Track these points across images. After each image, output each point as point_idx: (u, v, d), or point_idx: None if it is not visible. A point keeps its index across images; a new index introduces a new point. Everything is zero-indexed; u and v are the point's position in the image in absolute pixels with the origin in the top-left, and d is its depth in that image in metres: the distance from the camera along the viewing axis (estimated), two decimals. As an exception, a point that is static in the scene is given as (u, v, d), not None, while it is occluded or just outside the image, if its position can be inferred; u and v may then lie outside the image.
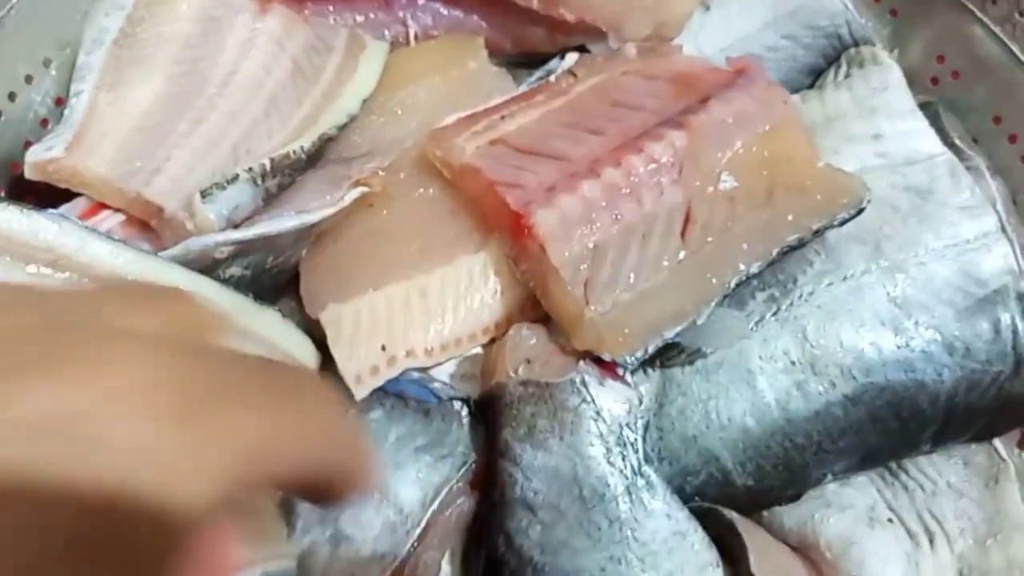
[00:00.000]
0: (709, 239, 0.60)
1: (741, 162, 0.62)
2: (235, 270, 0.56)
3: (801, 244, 0.60)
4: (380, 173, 0.61)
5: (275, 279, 0.61)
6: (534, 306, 0.64)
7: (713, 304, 0.58)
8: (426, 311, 0.62)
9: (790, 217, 0.60)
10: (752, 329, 0.61)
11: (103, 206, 0.57)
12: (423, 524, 0.57)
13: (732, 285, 0.58)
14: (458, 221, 0.65)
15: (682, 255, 0.59)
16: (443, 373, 0.64)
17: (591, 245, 0.59)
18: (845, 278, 0.62)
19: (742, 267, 0.58)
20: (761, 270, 0.59)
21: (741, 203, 0.60)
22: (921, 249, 0.63)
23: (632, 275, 0.59)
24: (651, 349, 0.57)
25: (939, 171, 0.65)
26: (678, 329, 0.57)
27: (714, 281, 0.58)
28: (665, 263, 0.59)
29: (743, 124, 0.63)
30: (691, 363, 0.61)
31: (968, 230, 0.63)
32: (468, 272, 0.63)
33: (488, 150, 0.64)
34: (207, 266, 0.54)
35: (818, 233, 0.60)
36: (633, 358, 0.56)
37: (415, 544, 0.57)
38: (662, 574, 0.55)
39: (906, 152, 0.66)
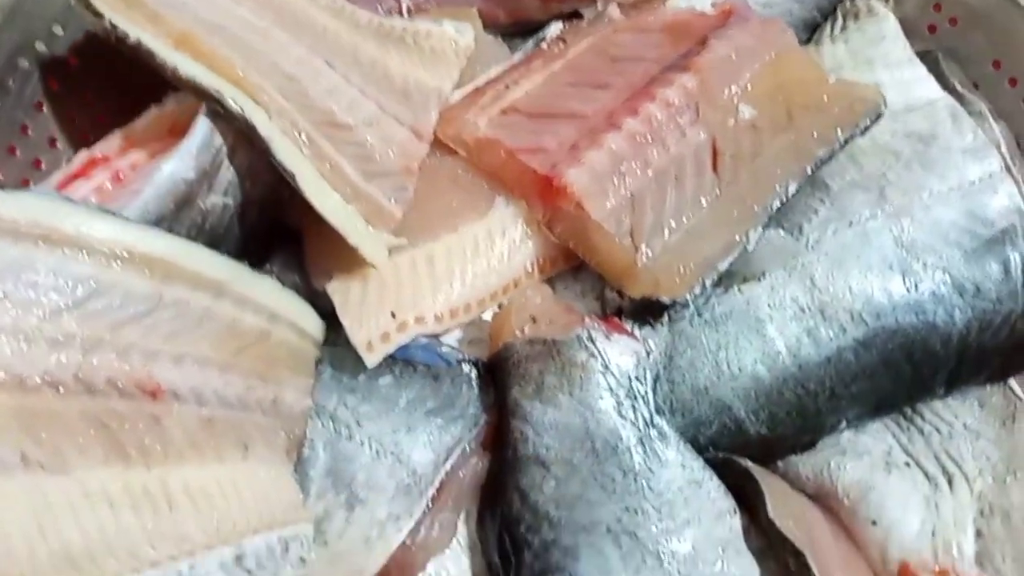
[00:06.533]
0: (742, 169, 0.60)
1: (755, 92, 0.63)
2: (215, 199, 0.56)
3: (831, 156, 0.60)
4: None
5: (262, 217, 0.62)
6: (541, 270, 0.65)
7: (760, 228, 0.58)
8: (433, 278, 0.62)
9: (815, 134, 0.60)
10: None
11: (93, 164, 0.58)
12: (436, 484, 0.58)
13: (775, 207, 0.59)
14: (460, 189, 0.65)
15: (719, 189, 0.60)
16: (452, 339, 0.65)
17: (628, 195, 0.60)
18: (851, 224, 0.62)
19: (779, 188, 0.59)
20: (799, 187, 0.59)
21: (764, 129, 0.61)
22: (926, 193, 0.62)
23: (675, 216, 0.59)
24: (708, 284, 0.57)
25: (940, 116, 0.65)
26: (731, 258, 0.58)
27: (755, 207, 0.59)
28: (704, 199, 0.60)
29: (747, 56, 0.64)
30: (699, 315, 0.60)
31: (972, 172, 0.63)
32: (473, 238, 0.63)
33: (501, 120, 0.65)
34: (186, 199, 0.54)
35: (846, 143, 0.60)
36: (692, 295, 0.57)
37: (430, 504, 0.57)
38: (679, 522, 0.55)
39: (906, 100, 0.66)
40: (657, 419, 0.57)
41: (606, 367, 0.57)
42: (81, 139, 0.62)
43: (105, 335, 0.49)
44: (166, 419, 0.51)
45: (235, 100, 0.53)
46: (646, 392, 0.57)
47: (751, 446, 0.60)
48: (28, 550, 0.46)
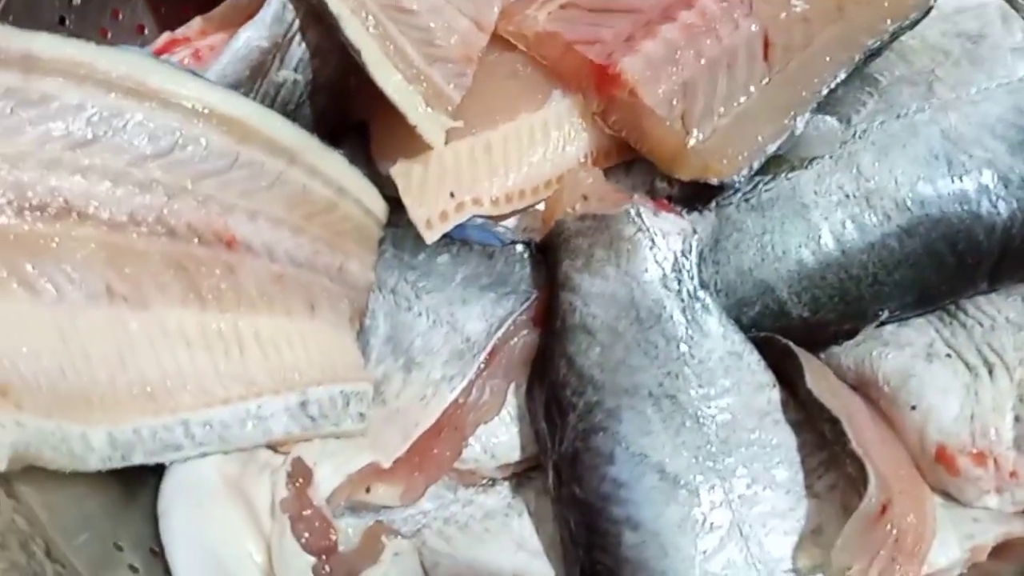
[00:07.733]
0: (792, 58, 0.63)
1: None
2: (286, 73, 0.60)
3: (880, 49, 0.62)
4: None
5: (330, 103, 0.65)
6: (594, 162, 0.67)
7: (808, 113, 0.60)
8: (490, 164, 0.65)
9: (864, 24, 0.62)
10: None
11: (175, 43, 0.62)
12: (488, 349, 0.61)
13: (824, 92, 0.61)
14: (519, 81, 0.68)
15: (769, 76, 0.62)
16: (508, 225, 0.68)
17: (680, 82, 0.62)
18: (898, 116, 0.63)
19: (827, 75, 0.61)
20: (848, 76, 0.61)
21: (815, 21, 0.63)
22: (973, 88, 0.64)
23: (726, 102, 0.62)
24: (756, 166, 0.60)
25: (990, 17, 0.66)
26: (779, 141, 0.60)
27: (804, 93, 0.61)
28: (754, 86, 0.63)
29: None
30: (746, 200, 0.63)
31: (1021, 69, 0.64)
32: (530, 128, 0.66)
33: (560, 14, 0.67)
34: (259, 67, 0.58)
35: (894, 36, 0.62)
36: (741, 177, 0.60)
37: (482, 367, 0.60)
38: (719, 390, 0.57)
39: (957, 1, 0.67)
40: (701, 292, 0.59)
41: (653, 241, 0.59)
42: (167, 27, 0.66)
43: (187, 184, 0.52)
44: (240, 269, 0.55)
45: (305, -25, 0.57)
46: (691, 267, 0.60)
47: (793, 329, 0.62)
48: (109, 377, 0.50)
